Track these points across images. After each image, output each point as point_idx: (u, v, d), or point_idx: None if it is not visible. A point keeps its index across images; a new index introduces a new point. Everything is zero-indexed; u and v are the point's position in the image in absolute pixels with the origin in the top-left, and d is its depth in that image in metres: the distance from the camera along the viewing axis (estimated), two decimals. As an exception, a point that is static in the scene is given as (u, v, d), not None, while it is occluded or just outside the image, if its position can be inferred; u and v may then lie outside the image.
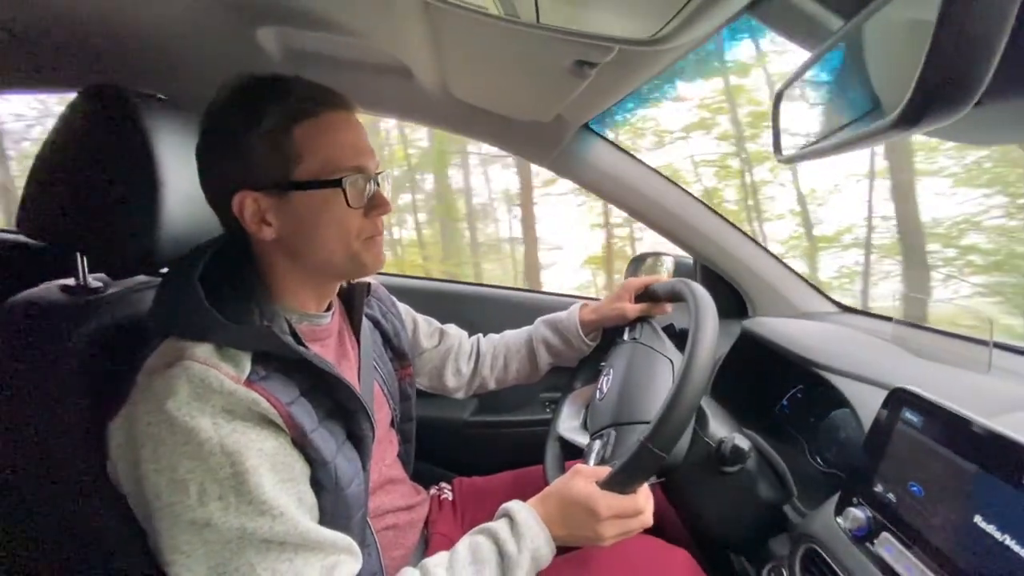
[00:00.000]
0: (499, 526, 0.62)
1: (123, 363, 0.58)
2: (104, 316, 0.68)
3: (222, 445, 0.51)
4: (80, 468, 0.60)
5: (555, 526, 0.62)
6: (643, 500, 0.63)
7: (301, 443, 0.56)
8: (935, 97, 0.25)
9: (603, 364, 0.93)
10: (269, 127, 0.58)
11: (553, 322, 1.00)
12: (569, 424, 0.93)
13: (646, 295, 0.96)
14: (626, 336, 0.93)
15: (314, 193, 0.60)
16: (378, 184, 0.65)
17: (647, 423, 0.63)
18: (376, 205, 0.64)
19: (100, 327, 0.66)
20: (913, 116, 0.26)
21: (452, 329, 1.02)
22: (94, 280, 0.73)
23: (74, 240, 0.66)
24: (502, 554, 0.59)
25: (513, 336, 1.03)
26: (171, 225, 0.64)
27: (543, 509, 0.64)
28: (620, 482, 0.62)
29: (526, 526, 0.61)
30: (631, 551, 0.78)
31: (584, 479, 0.64)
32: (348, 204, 0.60)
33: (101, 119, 0.63)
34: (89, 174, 0.63)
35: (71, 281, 0.72)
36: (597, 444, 0.75)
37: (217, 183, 0.62)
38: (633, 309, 0.94)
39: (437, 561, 0.60)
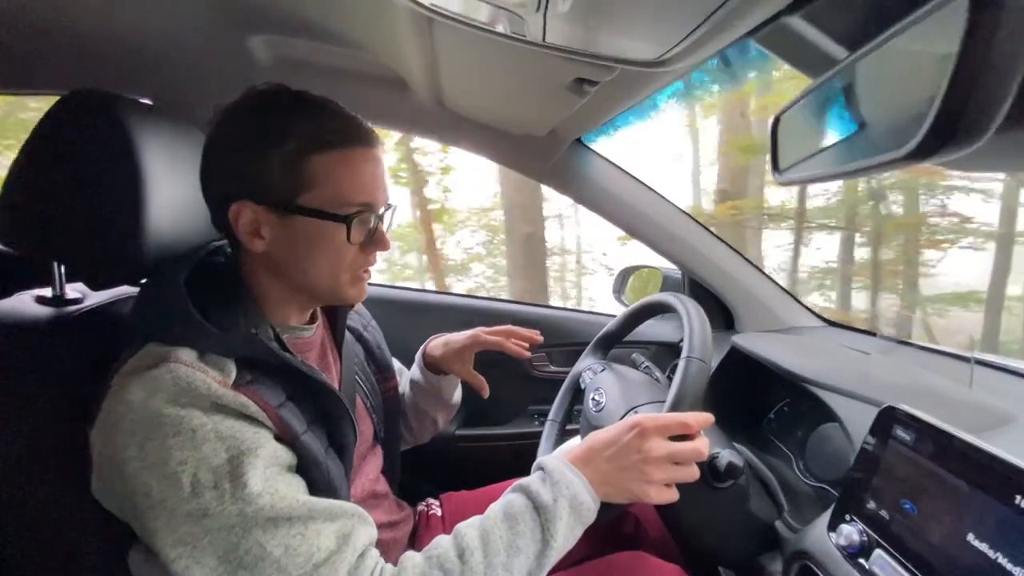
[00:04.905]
0: (531, 479, 0.60)
1: (101, 376, 0.56)
2: (82, 328, 0.66)
3: (217, 431, 0.50)
4: (57, 484, 0.58)
5: (596, 472, 0.59)
6: (697, 444, 0.60)
7: (292, 445, 0.56)
8: (954, 127, 0.26)
9: (587, 379, 0.94)
10: (290, 148, 0.57)
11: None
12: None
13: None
14: (596, 367, 0.95)
15: (316, 221, 0.59)
16: (381, 219, 0.64)
17: (662, 402, 0.66)
18: (375, 241, 0.64)
19: (77, 339, 0.64)
20: (932, 146, 0.26)
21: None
22: (72, 290, 0.71)
23: (52, 249, 0.64)
24: (537, 506, 0.57)
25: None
26: (156, 235, 0.62)
27: (582, 454, 0.61)
28: (675, 405, 0.64)
29: (559, 473, 0.59)
30: (623, 567, 0.77)
31: (631, 418, 0.61)
32: (349, 240, 0.60)
33: (85, 124, 0.61)
34: (71, 180, 0.60)
35: (47, 291, 0.69)
36: None
37: (219, 185, 0.61)
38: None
39: (469, 523, 0.58)
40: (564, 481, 0.58)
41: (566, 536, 0.57)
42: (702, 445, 0.61)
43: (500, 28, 0.47)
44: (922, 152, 0.27)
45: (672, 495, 0.60)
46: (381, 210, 0.63)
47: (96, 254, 0.62)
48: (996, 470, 0.49)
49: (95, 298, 0.72)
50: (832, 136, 0.42)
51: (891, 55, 0.33)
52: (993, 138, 0.34)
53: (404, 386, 0.97)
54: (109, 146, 0.60)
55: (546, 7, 0.39)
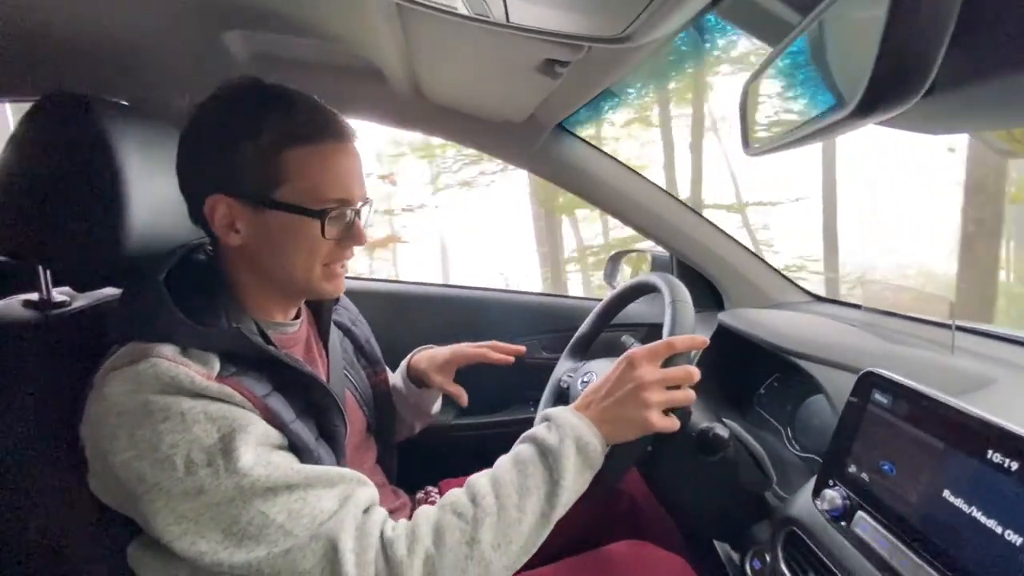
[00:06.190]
0: (537, 428, 0.62)
1: (89, 376, 0.57)
2: (69, 330, 0.66)
3: (206, 412, 0.50)
4: (51, 482, 0.59)
5: (596, 411, 0.61)
6: (690, 370, 0.62)
7: (281, 430, 0.56)
8: (887, 87, 0.26)
9: (568, 378, 0.94)
10: (263, 142, 0.57)
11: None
12: None
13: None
14: (577, 366, 0.96)
15: (290, 216, 0.59)
16: (359, 215, 0.64)
17: None
18: (351, 236, 0.64)
19: (64, 341, 0.64)
20: (868, 106, 0.27)
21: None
22: (59, 294, 0.71)
23: (36, 253, 0.64)
24: (543, 450, 0.58)
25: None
26: (138, 235, 0.62)
27: (582, 400, 0.64)
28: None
29: (562, 419, 0.60)
30: (626, 557, 0.77)
31: (622, 356, 0.64)
32: (323, 236, 0.60)
33: (62, 128, 0.61)
34: (51, 184, 0.60)
35: (34, 296, 0.69)
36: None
37: (195, 179, 0.61)
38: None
39: (480, 473, 0.59)
40: (568, 425, 0.59)
41: (575, 478, 0.58)
42: (694, 369, 0.62)
43: (463, 10, 0.48)
44: (861, 111, 0.28)
45: (674, 423, 0.62)
46: (358, 204, 0.63)
47: (79, 257, 0.62)
48: (968, 427, 0.50)
49: (82, 300, 0.72)
50: (793, 103, 0.42)
51: (839, 18, 0.33)
52: (935, 99, 0.35)
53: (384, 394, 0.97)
54: (87, 148, 0.60)
55: (504, -14, 0.40)
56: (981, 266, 3.83)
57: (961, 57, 0.35)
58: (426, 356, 0.92)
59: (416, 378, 0.92)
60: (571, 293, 5.75)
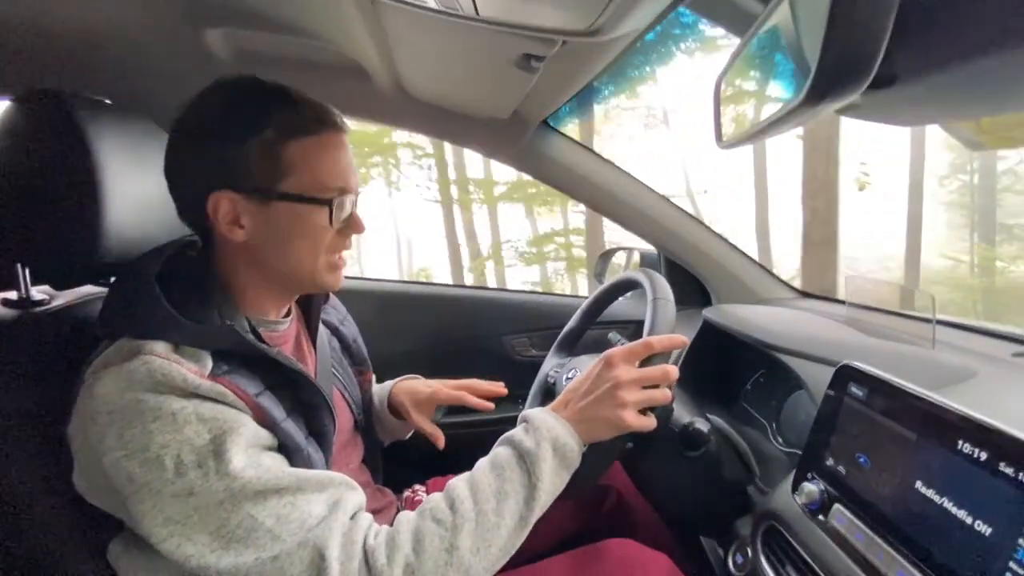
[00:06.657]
0: (514, 431, 0.62)
1: (70, 375, 0.57)
2: (48, 328, 0.66)
3: (198, 413, 0.50)
4: (32, 483, 0.58)
5: (574, 411, 0.62)
6: (665, 366, 0.63)
7: (272, 430, 0.56)
8: (833, 77, 0.27)
9: (555, 374, 0.94)
10: (268, 137, 0.58)
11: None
12: None
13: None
14: (564, 361, 0.96)
15: (297, 206, 0.60)
16: (354, 204, 0.65)
17: None
18: (351, 225, 0.65)
19: (44, 339, 0.64)
20: (816, 96, 0.27)
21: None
22: (38, 292, 0.71)
23: (14, 251, 0.64)
24: (521, 453, 0.59)
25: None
26: (118, 232, 0.62)
27: (561, 399, 0.64)
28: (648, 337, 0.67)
29: (539, 421, 0.61)
30: (613, 556, 0.77)
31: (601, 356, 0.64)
32: (330, 223, 0.61)
33: (40, 125, 0.61)
34: (28, 182, 0.60)
35: (13, 294, 0.69)
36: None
37: (194, 177, 0.61)
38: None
39: (459, 477, 0.60)
40: (545, 426, 0.60)
41: (552, 479, 0.58)
42: (671, 368, 0.63)
43: (432, 3, 0.48)
44: (810, 100, 0.28)
45: (650, 422, 0.62)
46: (355, 194, 0.64)
47: (58, 254, 0.62)
48: (939, 418, 0.50)
49: (61, 299, 0.72)
50: (759, 92, 0.42)
51: (794, 10, 0.33)
52: (899, 89, 0.35)
53: (368, 393, 0.97)
54: (64, 146, 0.60)
55: (469, -22, 0.40)
56: (818, 253, 3.90)
57: (920, 47, 0.35)
58: (406, 389, 0.91)
59: (393, 408, 0.92)
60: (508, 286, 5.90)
